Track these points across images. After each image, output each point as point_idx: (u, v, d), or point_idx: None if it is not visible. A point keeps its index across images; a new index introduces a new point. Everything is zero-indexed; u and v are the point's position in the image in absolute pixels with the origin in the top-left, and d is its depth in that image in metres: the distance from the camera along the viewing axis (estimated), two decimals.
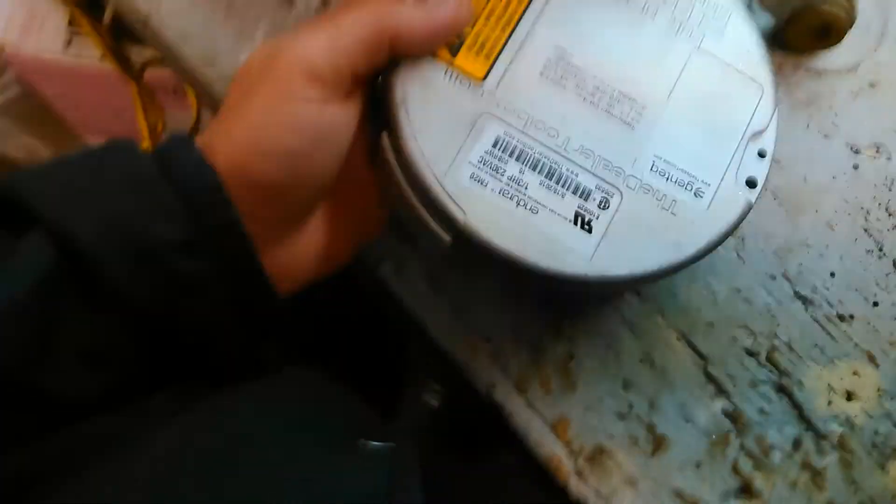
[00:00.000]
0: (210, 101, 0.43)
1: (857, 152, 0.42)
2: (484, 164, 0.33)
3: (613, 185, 0.33)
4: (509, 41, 0.34)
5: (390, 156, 0.34)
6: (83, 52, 0.82)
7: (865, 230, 0.41)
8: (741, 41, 0.36)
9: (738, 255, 0.40)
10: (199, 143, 0.30)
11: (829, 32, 0.41)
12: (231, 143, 0.30)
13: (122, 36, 0.69)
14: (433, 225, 0.33)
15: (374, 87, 0.34)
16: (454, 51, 0.34)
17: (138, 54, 0.71)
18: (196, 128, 0.72)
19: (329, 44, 0.31)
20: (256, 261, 0.30)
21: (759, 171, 0.34)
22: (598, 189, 0.33)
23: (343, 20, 0.31)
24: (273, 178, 0.30)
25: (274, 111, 0.30)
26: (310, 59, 0.30)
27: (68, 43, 0.86)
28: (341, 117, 0.32)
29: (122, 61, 0.58)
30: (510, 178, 0.33)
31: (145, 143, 0.62)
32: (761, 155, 0.35)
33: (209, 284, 0.29)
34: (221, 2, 0.43)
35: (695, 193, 0.34)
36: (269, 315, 0.32)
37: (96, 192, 0.28)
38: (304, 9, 0.43)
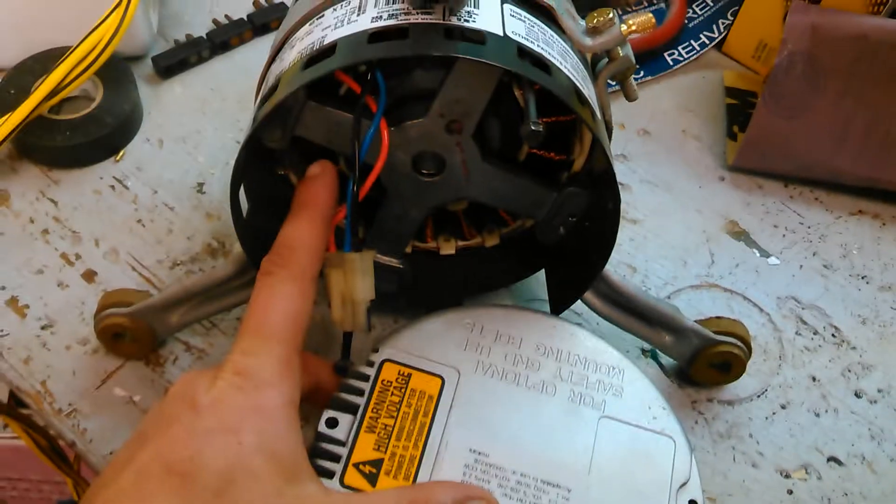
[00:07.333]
0: None
1: (787, 477, 0.43)
2: None
3: None
4: (425, 454, 0.35)
5: None
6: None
7: None
8: (641, 397, 0.38)
9: None
10: None
11: (730, 367, 0.44)
12: None
13: None
14: None
15: None
16: (373, 480, 0.34)
17: None
18: None
19: None
20: None
21: None
22: None
23: None
24: None
25: None
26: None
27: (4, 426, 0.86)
28: None
29: (56, 456, 0.57)
30: None
31: None
32: None
33: None
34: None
35: None
36: None
37: None
38: None
